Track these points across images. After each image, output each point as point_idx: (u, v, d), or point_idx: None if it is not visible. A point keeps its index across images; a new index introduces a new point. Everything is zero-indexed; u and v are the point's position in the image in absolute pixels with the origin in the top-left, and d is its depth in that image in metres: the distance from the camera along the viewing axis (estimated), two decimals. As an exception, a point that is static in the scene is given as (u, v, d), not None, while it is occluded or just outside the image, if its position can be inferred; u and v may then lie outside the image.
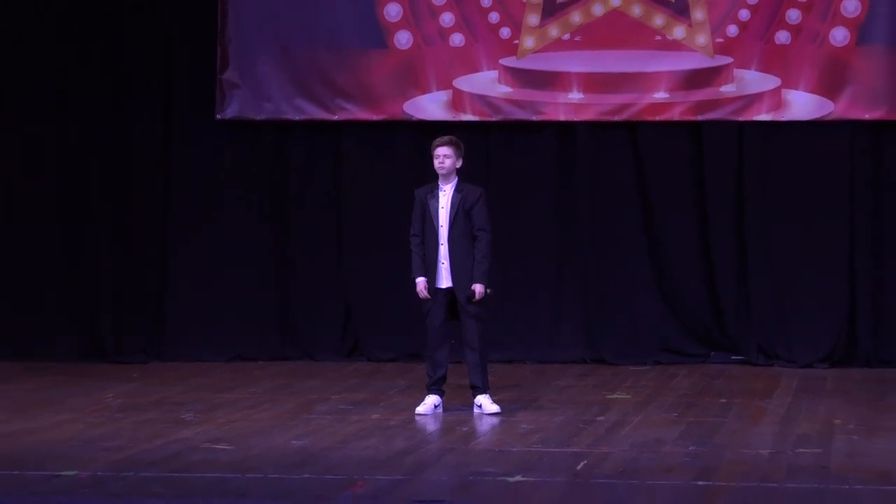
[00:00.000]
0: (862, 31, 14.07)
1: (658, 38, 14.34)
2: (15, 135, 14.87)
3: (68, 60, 14.83)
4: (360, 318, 14.77)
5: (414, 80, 14.54)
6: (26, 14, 14.81)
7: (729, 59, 14.27)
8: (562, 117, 14.50)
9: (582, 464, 9.60)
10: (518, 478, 9.14)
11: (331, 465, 9.55)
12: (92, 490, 8.82)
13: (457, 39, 14.51)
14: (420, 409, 11.57)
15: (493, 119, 14.54)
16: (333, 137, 14.81)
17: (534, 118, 14.52)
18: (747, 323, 14.45)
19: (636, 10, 14.33)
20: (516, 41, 14.47)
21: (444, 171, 11.56)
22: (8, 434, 10.71)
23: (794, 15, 14.15)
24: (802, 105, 14.22)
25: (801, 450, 10.10)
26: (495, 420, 11.33)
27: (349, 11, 14.54)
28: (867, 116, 14.15)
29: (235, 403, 12.12)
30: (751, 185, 14.44)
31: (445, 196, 11.55)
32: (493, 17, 14.48)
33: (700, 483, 9.05)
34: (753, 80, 14.25)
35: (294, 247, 14.88)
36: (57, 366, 14.18)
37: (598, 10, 14.38)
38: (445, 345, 11.59)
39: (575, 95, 14.45)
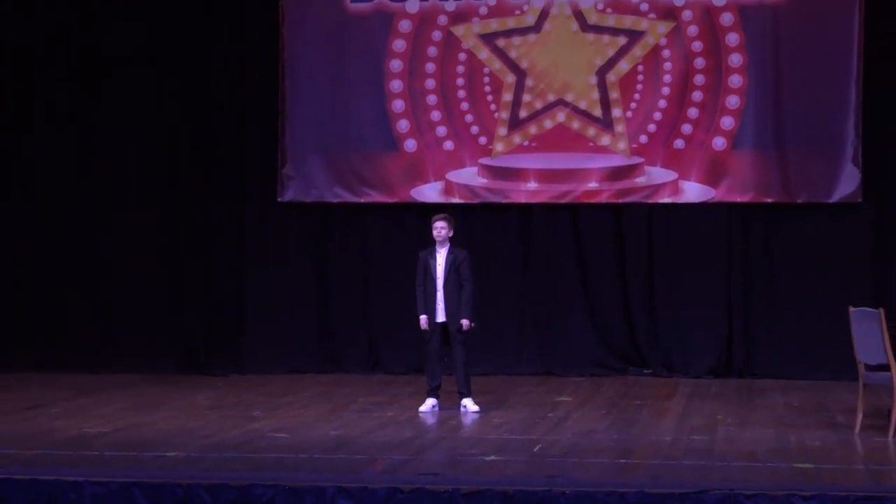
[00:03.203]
0: (735, 139, 14.10)
1: (591, 144, 14.36)
2: (134, 215, 14.87)
3: (178, 162, 14.86)
4: (380, 342, 14.71)
5: (418, 174, 14.55)
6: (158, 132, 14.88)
7: (641, 159, 14.29)
8: (523, 201, 14.50)
9: (538, 447, 9.59)
10: (492, 457, 9.13)
11: (359, 448, 9.54)
12: (188, 466, 8.81)
13: (448, 145, 14.54)
14: (422, 409, 11.55)
15: (474, 202, 14.54)
16: (361, 215, 14.78)
17: (503, 201, 14.52)
18: (655, 346, 14.40)
19: (575, 125, 14.37)
20: (490, 146, 14.49)
21: (440, 239, 11.58)
22: (128, 426, 10.70)
23: (686, 128, 14.19)
24: (693, 192, 14.22)
25: (693, 437, 10.10)
26: (476, 416, 11.31)
27: (372, 125, 14.55)
28: (739, 199, 14.16)
29: (290, 404, 12.09)
30: (657, 248, 14.43)
31: (441, 256, 11.57)
32: (474, 129, 14.51)
33: (622, 461, 9.05)
34: (658, 174, 14.26)
35: (333, 292, 14.83)
36: (163, 377, 14.12)
37: (548, 124, 14.42)
38: (440, 362, 11.57)
39: (532, 185, 14.46)
